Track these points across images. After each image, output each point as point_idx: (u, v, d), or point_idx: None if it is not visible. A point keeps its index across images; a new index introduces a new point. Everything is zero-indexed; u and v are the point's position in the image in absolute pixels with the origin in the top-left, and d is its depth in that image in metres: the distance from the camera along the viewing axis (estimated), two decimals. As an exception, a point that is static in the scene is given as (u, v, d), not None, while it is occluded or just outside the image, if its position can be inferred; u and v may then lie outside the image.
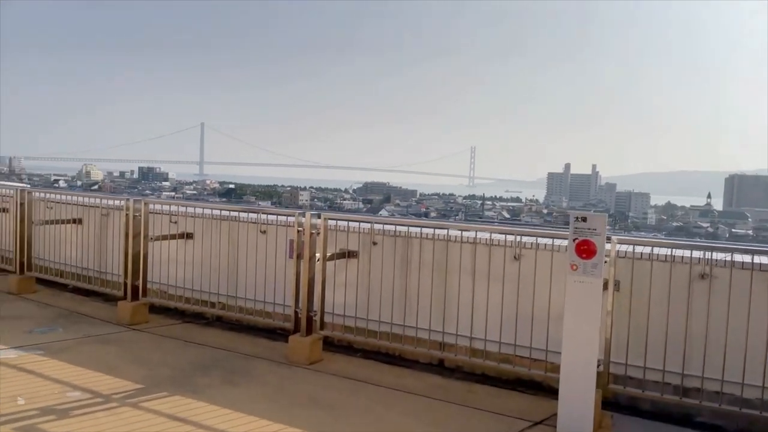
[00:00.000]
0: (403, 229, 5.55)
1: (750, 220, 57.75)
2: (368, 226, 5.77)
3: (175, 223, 6.92)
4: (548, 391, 4.83)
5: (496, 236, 5.11)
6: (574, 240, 4.14)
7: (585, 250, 4.10)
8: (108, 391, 4.62)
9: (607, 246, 4.26)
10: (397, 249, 5.60)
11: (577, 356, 4.19)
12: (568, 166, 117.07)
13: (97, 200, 7.90)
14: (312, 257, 5.56)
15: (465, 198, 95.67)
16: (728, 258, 4.33)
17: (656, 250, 4.52)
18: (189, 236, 6.81)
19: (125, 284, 6.78)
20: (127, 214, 6.75)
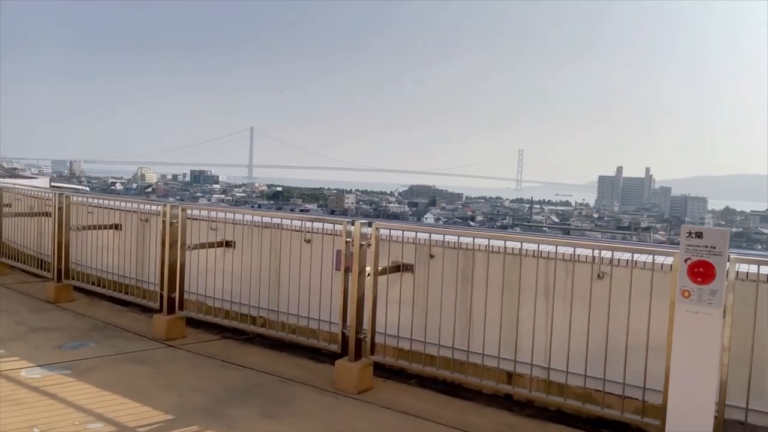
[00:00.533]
0: (468, 240, 4.83)
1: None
2: (425, 236, 5.09)
3: (215, 230, 6.42)
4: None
5: (580, 251, 4.33)
6: (685, 261, 3.35)
7: (701, 273, 3.32)
8: (133, 422, 4.08)
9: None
10: (459, 263, 4.90)
11: (689, 401, 3.40)
12: (620, 169, 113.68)
13: (136, 205, 7.50)
14: (362, 271, 4.92)
15: (512, 201, 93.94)
16: None
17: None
18: (228, 244, 6.29)
19: (161, 296, 6.31)
20: (164, 221, 6.28)
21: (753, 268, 3.77)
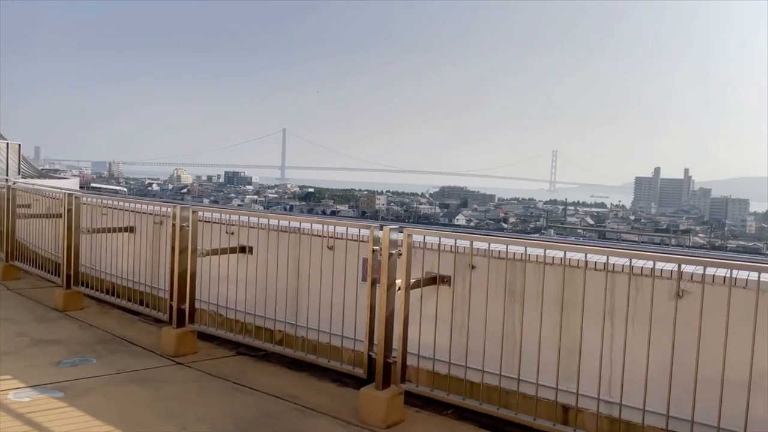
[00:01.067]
0: (519, 249, 4.08)
1: None
2: (465, 243, 4.36)
3: (232, 234, 5.81)
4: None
5: (660, 265, 3.55)
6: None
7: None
8: (122, 463, 3.47)
9: None
10: (506, 275, 4.16)
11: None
12: (657, 170, 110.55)
13: (150, 207, 6.96)
14: (391, 284, 4.21)
15: (546, 203, 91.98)
16: None
17: None
18: (243, 250, 5.67)
19: (170, 307, 5.71)
20: (173, 224, 5.68)
21: None
